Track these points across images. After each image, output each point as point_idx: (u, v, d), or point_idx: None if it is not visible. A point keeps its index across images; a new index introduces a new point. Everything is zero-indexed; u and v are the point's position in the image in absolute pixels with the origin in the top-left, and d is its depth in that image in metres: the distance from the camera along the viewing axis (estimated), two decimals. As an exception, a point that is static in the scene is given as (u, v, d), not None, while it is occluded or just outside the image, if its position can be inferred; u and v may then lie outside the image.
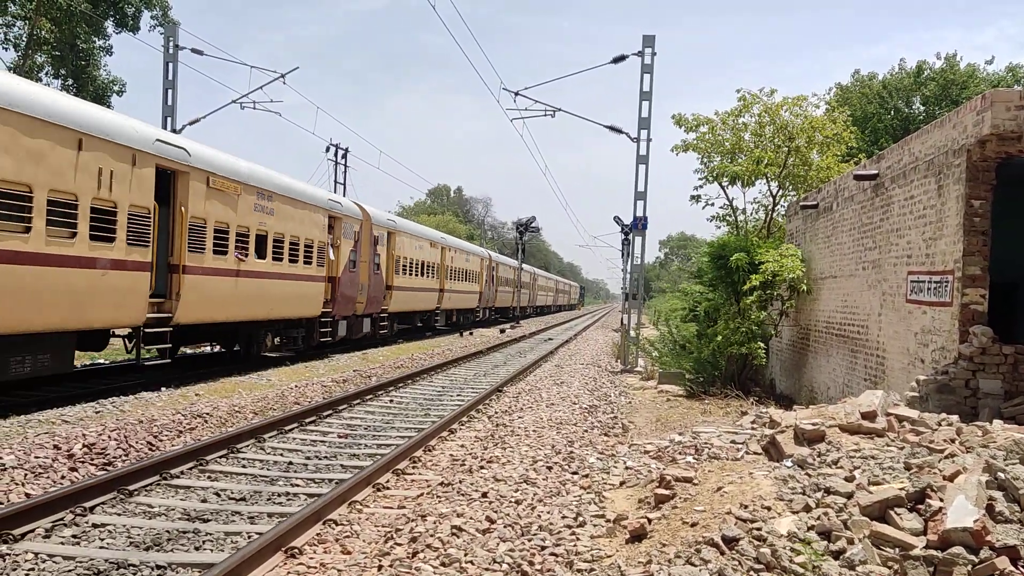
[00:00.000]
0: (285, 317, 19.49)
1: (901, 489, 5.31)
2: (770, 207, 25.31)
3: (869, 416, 7.30)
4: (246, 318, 17.49)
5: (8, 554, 5.81)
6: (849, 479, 5.80)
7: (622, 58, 22.65)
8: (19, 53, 34.20)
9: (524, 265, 63.76)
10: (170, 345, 14.88)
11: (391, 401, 14.46)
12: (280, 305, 18.88)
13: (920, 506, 5.12)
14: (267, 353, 20.53)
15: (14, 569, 5.58)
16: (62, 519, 6.61)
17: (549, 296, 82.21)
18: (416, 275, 31.50)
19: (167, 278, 14.50)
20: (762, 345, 16.06)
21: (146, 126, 14.02)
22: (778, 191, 24.85)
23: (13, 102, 10.61)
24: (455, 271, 38.58)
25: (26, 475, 7.72)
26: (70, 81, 35.10)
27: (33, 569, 5.59)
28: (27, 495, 7.19)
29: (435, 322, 35.86)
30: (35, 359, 11.53)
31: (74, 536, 6.34)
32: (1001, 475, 5.27)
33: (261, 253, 17.68)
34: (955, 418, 7.25)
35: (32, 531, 6.28)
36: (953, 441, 6.39)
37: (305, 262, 19.92)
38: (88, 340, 13.53)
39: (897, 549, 4.76)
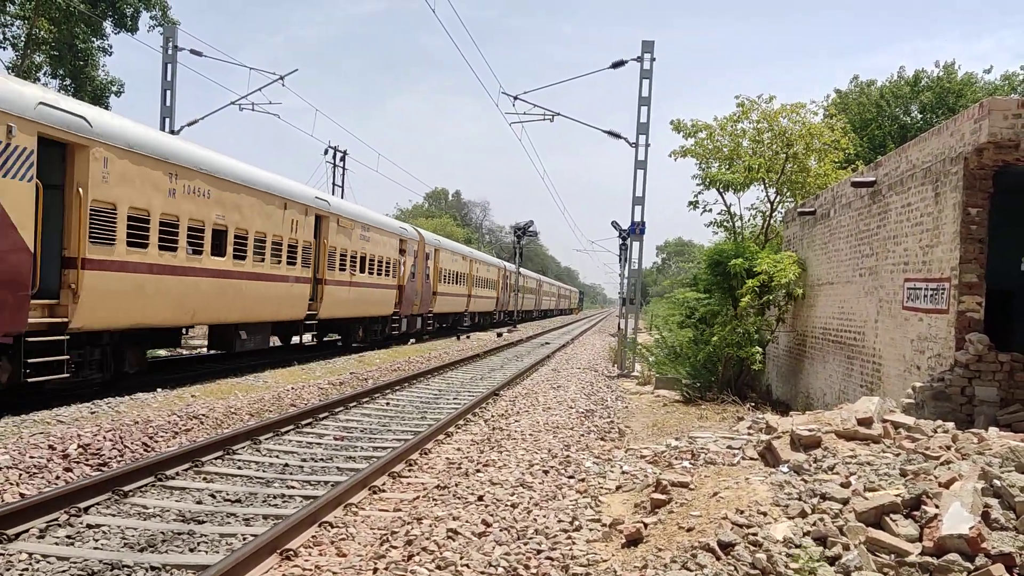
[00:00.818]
0: (372, 315, 26.19)
1: (897, 495, 5.31)
2: (768, 213, 25.36)
3: (865, 422, 7.30)
4: (353, 315, 24.41)
5: (2, 554, 5.80)
6: (845, 485, 5.80)
7: (621, 63, 22.70)
8: (18, 53, 34.18)
9: (532, 272, 75.32)
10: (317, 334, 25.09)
11: (388, 404, 14.45)
12: (370, 306, 25.70)
13: (916, 513, 5.12)
14: (356, 344, 25.98)
15: (8, 569, 5.57)
16: (57, 519, 6.60)
17: (553, 300, 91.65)
18: (452, 283, 38.70)
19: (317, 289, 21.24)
20: (759, 349, 16.08)
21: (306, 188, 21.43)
22: (776, 197, 24.90)
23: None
24: (479, 279, 45.71)
25: (21, 475, 7.70)
26: (68, 81, 35.07)
27: (27, 569, 5.58)
28: (22, 495, 7.17)
29: (464, 322, 42.90)
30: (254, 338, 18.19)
31: (68, 537, 6.32)
32: (997, 482, 5.27)
33: (361, 269, 24.36)
34: (951, 425, 7.26)
35: (27, 531, 6.26)
36: (949, 448, 6.39)
37: (385, 274, 26.78)
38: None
39: (893, 555, 4.76)
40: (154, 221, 13.84)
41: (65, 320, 11.75)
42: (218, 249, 16.13)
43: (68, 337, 11.82)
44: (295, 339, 23.35)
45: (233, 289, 16.83)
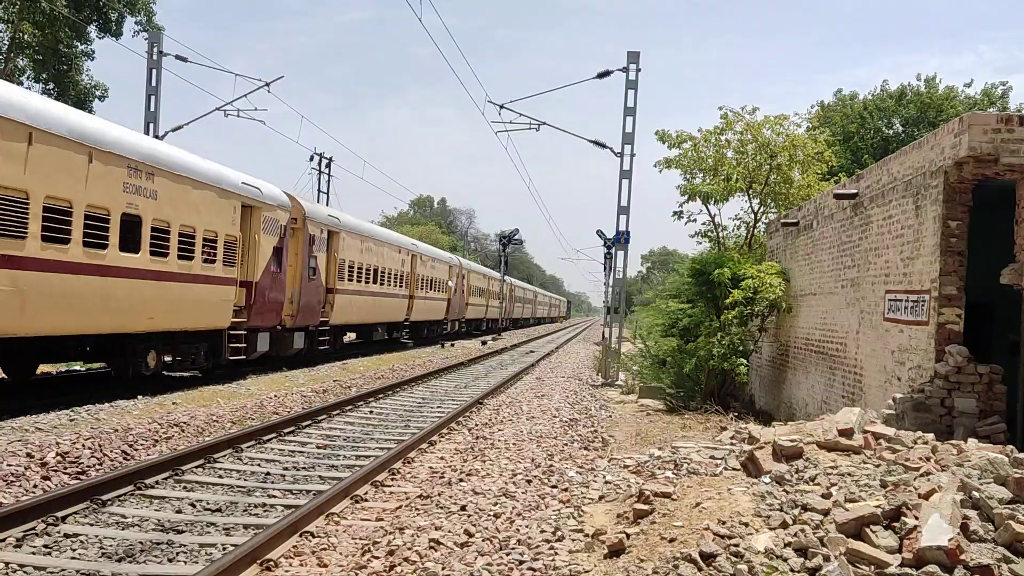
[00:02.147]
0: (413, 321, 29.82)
1: (877, 507, 5.35)
2: (751, 224, 25.53)
3: (846, 433, 7.35)
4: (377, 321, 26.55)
5: (-23, 564, 5.72)
6: (826, 496, 5.83)
7: (607, 73, 22.81)
8: (0, 56, 33.91)
9: (528, 285, 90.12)
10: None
11: (371, 412, 14.39)
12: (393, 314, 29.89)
13: (895, 524, 5.15)
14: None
15: (-17, 579, 5.50)
16: (34, 529, 6.51)
17: (545, 309, 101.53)
18: (479, 296, 49.01)
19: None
20: (744, 361, 16.14)
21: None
22: (760, 208, 25.08)
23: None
24: (501, 294, 55.36)
25: (-2, 483, 7.61)
26: (52, 85, 34.83)
27: (3, 579, 5.51)
28: (-2, 504, 7.09)
29: (499, 328, 52.21)
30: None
31: (46, 546, 6.25)
32: (976, 494, 5.32)
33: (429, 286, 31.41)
34: (931, 436, 7.31)
35: (3, 540, 6.18)
36: (928, 459, 6.44)
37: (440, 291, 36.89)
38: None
39: (872, 567, 4.78)
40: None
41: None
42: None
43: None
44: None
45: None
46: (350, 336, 30.28)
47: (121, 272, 13.31)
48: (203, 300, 16.05)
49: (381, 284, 28.68)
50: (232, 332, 17.43)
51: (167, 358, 15.81)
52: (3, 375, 14.70)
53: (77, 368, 18.29)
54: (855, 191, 12.47)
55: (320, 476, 9.26)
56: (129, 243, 13.54)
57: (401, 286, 31.42)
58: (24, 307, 11.30)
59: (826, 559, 4.91)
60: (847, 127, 40.18)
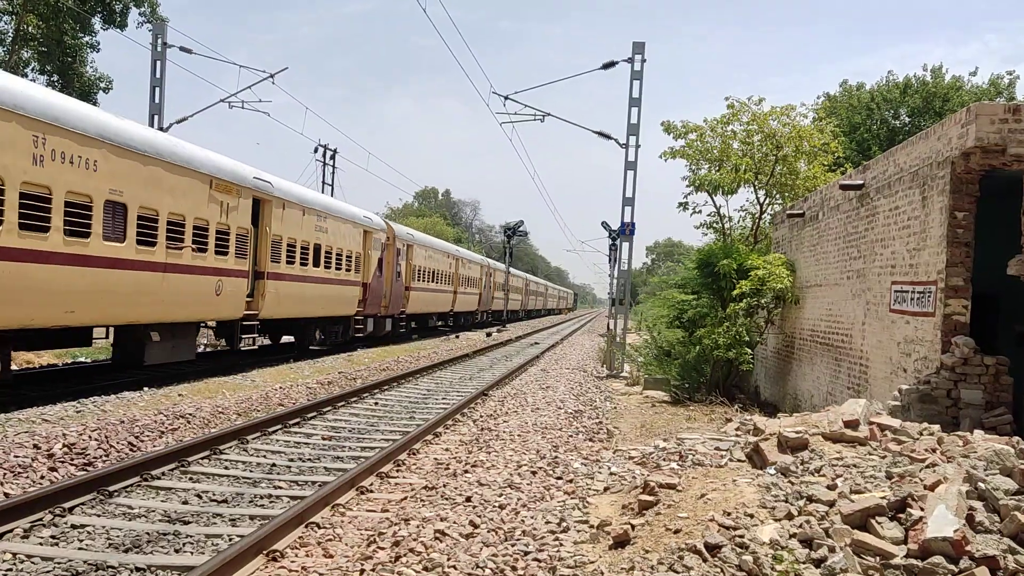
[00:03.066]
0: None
1: (882, 498, 5.34)
2: (757, 215, 25.45)
3: (852, 425, 7.34)
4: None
5: (-15, 554, 5.75)
6: (831, 487, 5.83)
7: (612, 64, 22.72)
8: (5, 48, 33.94)
9: (539, 279, 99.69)
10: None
11: (376, 403, 14.42)
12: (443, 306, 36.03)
13: (901, 515, 5.15)
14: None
15: (-9, 570, 5.53)
16: (41, 519, 6.55)
17: (555, 301, 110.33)
18: (500, 291, 54.26)
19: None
20: (748, 350, 16.12)
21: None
22: (765, 199, 25.00)
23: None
24: (518, 287, 65.18)
25: (4, 475, 7.65)
26: (56, 77, 34.86)
27: (11, 570, 5.54)
28: (5, 495, 7.12)
29: (515, 317, 60.75)
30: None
31: (53, 537, 6.28)
32: (981, 485, 5.31)
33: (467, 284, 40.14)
34: (936, 428, 7.30)
35: (10, 531, 6.22)
36: (934, 451, 6.43)
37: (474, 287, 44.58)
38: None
39: (878, 558, 4.78)
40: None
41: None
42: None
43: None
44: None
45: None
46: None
47: (314, 280, 21.84)
48: (344, 296, 24.32)
49: (438, 283, 37.47)
50: (356, 318, 25.76)
51: (319, 335, 23.74)
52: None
53: (83, 360, 18.43)
54: (861, 182, 12.42)
55: (326, 468, 9.29)
56: (318, 262, 22.05)
57: (448, 284, 39.89)
58: (280, 301, 19.68)
59: (831, 550, 4.90)
60: (853, 118, 40.00)
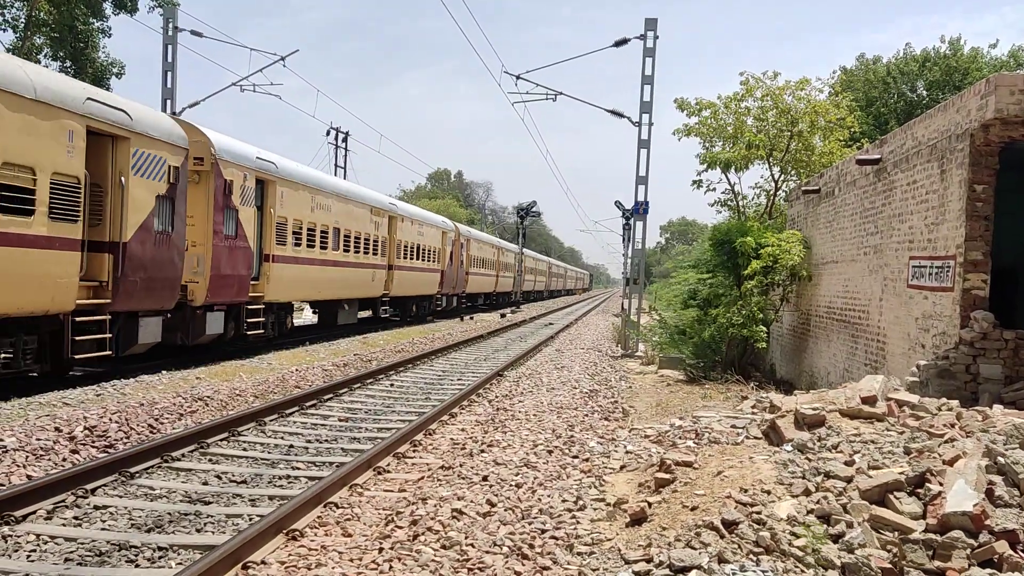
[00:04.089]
0: (421, 294, 33.85)
1: (901, 473, 5.32)
2: (772, 192, 25.26)
3: (869, 401, 7.30)
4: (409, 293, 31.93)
5: (10, 535, 5.84)
6: (849, 463, 5.81)
7: (624, 41, 22.51)
8: (18, 35, 34.04)
9: (559, 262, 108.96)
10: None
11: (392, 385, 14.48)
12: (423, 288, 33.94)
13: (919, 490, 5.13)
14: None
15: (16, 550, 5.60)
16: (64, 501, 6.63)
17: (573, 282, 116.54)
18: (531, 274, 64.85)
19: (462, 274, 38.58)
20: (763, 328, 16.05)
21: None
22: (780, 176, 24.81)
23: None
24: (543, 271, 77.08)
25: (27, 457, 7.75)
26: (69, 63, 34.94)
27: (35, 550, 5.62)
28: (28, 477, 7.22)
29: (540, 297, 70.90)
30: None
31: (76, 518, 6.36)
32: (1001, 459, 5.28)
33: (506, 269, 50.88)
34: (955, 403, 7.25)
35: (34, 513, 6.30)
36: (953, 426, 6.40)
37: (510, 272, 53.03)
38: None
39: (896, 533, 4.77)
40: None
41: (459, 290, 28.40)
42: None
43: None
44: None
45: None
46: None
47: (418, 269, 31.92)
48: (431, 280, 34.07)
49: (486, 269, 47.85)
50: (436, 296, 35.31)
51: (415, 309, 32.77)
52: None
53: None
54: (878, 156, 12.29)
55: (343, 448, 9.35)
56: (420, 257, 31.68)
57: (492, 269, 50.14)
58: (400, 284, 29.27)
59: (849, 525, 4.90)
60: (870, 92, 39.55)
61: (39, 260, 10.99)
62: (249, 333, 17.89)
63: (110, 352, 12.71)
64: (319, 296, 22.98)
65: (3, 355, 11.05)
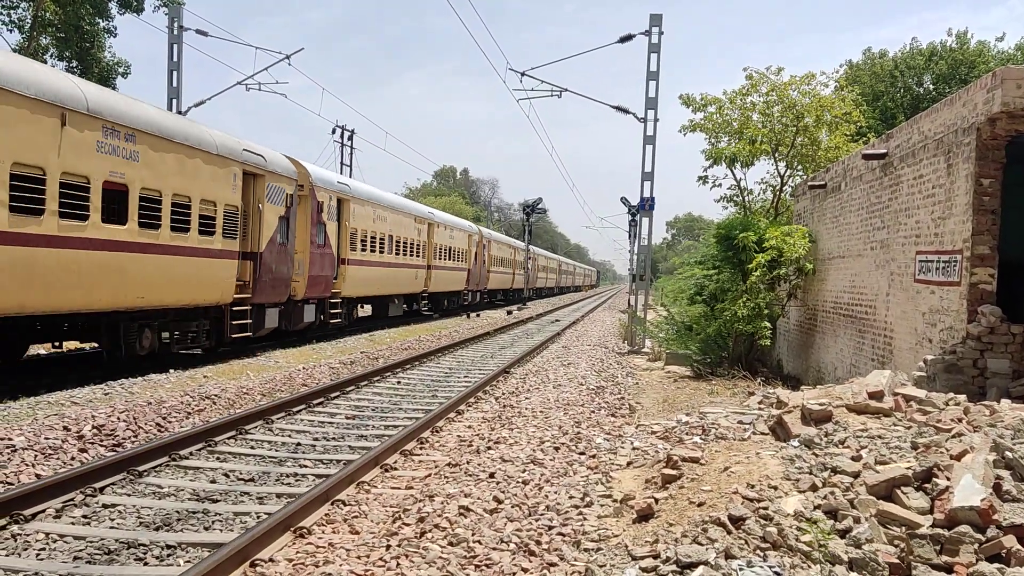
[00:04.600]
0: (452, 290, 38.09)
1: (908, 468, 5.31)
2: (778, 187, 25.21)
3: (876, 396, 7.29)
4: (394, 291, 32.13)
5: (20, 534, 5.87)
6: (856, 459, 5.80)
7: (629, 37, 22.47)
8: (24, 35, 34.14)
9: (569, 260, 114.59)
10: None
11: (398, 382, 14.50)
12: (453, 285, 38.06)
13: (927, 485, 5.12)
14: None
15: (25, 549, 5.64)
16: (72, 500, 6.67)
17: (581, 278, 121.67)
18: (543, 272, 71.66)
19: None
20: (768, 324, 16.02)
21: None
22: (786, 171, 24.74)
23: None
24: (553, 268, 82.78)
25: (36, 456, 7.79)
26: (75, 63, 35.04)
27: (44, 549, 5.65)
28: (37, 476, 7.25)
29: (550, 293, 75.75)
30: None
31: (84, 516, 6.39)
32: (1008, 454, 5.26)
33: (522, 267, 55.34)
34: (963, 397, 7.23)
35: (43, 511, 6.33)
36: (960, 420, 6.38)
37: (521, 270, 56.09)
38: None
39: (903, 528, 4.76)
40: None
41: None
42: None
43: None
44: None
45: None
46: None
47: (449, 268, 35.41)
48: (460, 278, 38.72)
49: (504, 267, 51.91)
50: (463, 292, 39.93)
51: (446, 304, 37.50)
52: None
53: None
54: (884, 151, 12.25)
55: (350, 446, 9.37)
56: (452, 257, 35.92)
57: (509, 268, 53.45)
58: (436, 282, 33.88)
59: (856, 521, 4.89)
60: (876, 86, 39.39)
61: (217, 266, 15.49)
62: (331, 321, 22.41)
63: (250, 333, 17.24)
64: (378, 292, 27.29)
65: (190, 333, 15.36)
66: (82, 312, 12.31)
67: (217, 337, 16.31)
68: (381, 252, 26.18)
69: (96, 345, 15.07)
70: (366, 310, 31.00)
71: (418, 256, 30.92)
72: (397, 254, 28.05)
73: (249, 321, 17.02)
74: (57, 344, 14.90)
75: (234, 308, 16.40)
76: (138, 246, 13.03)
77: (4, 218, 10.29)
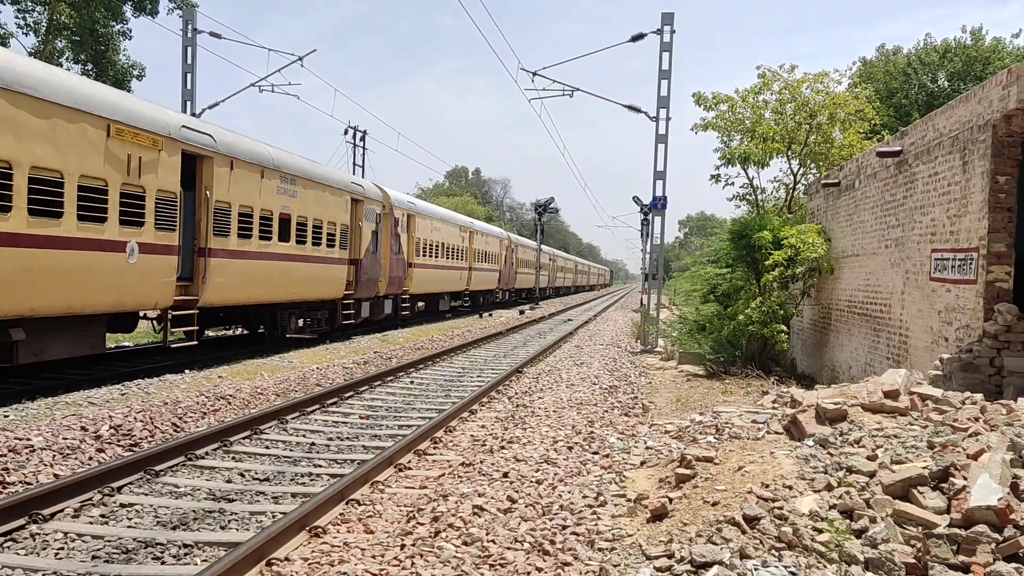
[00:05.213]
0: (486, 289, 44.37)
1: (924, 468, 5.28)
2: (791, 186, 25.10)
3: (892, 395, 7.25)
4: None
5: (38, 534, 5.93)
6: (871, 458, 5.77)
7: (641, 36, 22.43)
8: (39, 39, 34.43)
9: (582, 259, 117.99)
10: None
11: (412, 382, 14.54)
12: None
13: (943, 485, 5.09)
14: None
15: (44, 548, 5.69)
16: (90, 499, 6.73)
17: (595, 278, 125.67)
18: (561, 272, 76.34)
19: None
20: (783, 328, 15.94)
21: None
22: (799, 169, 24.64)
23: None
24: (570, 268, 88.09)
25: (54, 456, 7.86)
26: (90, 66, 35.30)
27: (63, 548, 5.70)
28: (56, 476, 7.32)
29: (568, 291, 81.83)
30: None
31: (102, 516, 6.45)
32: (1026, 453, 5.22)
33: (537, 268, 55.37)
34: (979, 396, 7.18)
35: (61, 511, 6.40)
36: (977, 419, 6.34)
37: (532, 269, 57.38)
38: None
39: (920, 527, 4.73)
40: None
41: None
42: None
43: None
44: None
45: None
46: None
47: (482, 269, 40.39)
48: (492, 277, 43.80)
49: (528, 268, 55.93)
50: (495, 291, 45.37)
51: (481, 300, 42.00)
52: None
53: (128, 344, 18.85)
54: (899, 148, 12.17)
55: (364, 446, 9.40)
56: (486, 260, 41.44)
57: (532, 269, 57.00)
58: (474, 281, 39.42)
59: (872, 520, 4.87)
60: (890, 83, 39.14)
61: (335, 270, 20.94)
62: (402, 313, 28.13)
63: (354, 320, 22.78)
64: (433, 290, 32.11)
65: (316, 320, 20.89)
66: (268, 303, 17.93)
67: (331, 324, 21.59)
68: (436, 257, 31.63)
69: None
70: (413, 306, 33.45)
71: (462, 260, 36.53)
72: (447, 259, 33.52)
73: (352, 312, 22.41)
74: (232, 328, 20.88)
75: (342, 302, 21.83)
76: (297, 256, 18.46)
77: (256, 241, 16.63)
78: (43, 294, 10.84)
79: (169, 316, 13.86)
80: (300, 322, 20.11)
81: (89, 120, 11.53)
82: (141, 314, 14.45)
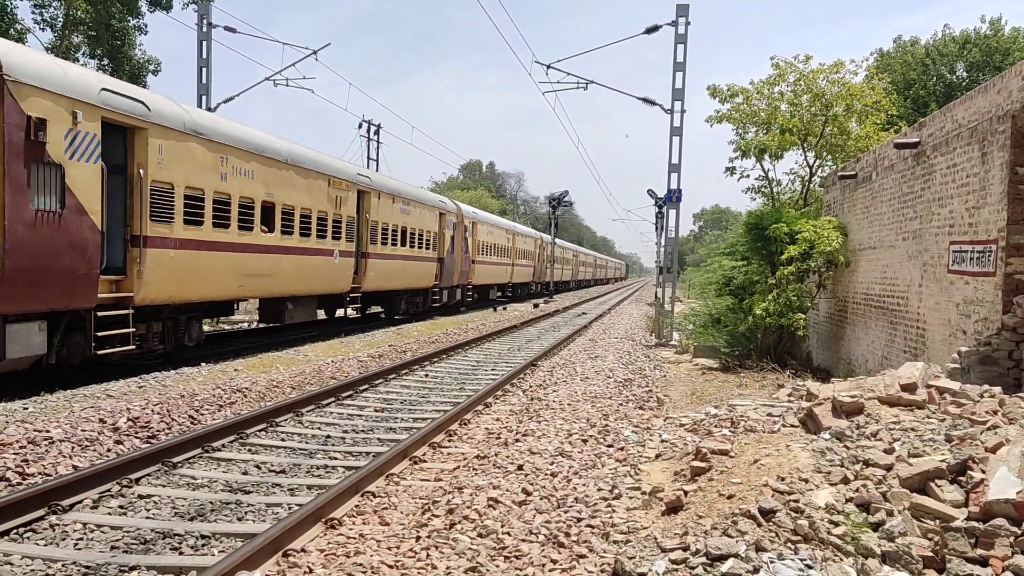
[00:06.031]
0: (526, 281, 51.28)
1: (942, 461, 5.24)
2: (807, 178, 24.94)
3: (909, 388, 7.20)
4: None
5: (58, 524, 5.99)
6: (888, 451, 5.74)
7: (655, 28, 22.32)
8: (56, 34, 34.66)
9: (599, 254, 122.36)
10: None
11: (426, 375, 14.58)
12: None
13: (961, 478, 5.05)
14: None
15: (63, 538, 5.76)
16: (109, 490, 6.79)
17: (612, 272, 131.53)
18: (584, 267, 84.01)
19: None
20: (802, 316, 15.84)
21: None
22: (815, 161, 24.47)
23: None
24: (590, 263, 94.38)
25: (73, 448, 7.94)
26: (106, 61, 35.50)
27: (82, 538, 5.76)
28: (75, 467, 7.40)
29: (587, 284, 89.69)
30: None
31: (121, 507, 6.51)
32: (1046, 447, 5.17)
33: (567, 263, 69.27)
34: (998, 389, 7.12)
35: (80, 502, 6.46)
36: (995, 413, 6.28)
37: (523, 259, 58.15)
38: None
39: (937, 521, 4.70)
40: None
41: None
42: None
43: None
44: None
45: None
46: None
47: (521, 265, 47.97)
48: (528, 272, 50.62)
49: (562, 265, 63.46)
50: (531, 284, 53.17)
51: (520, 291, 51.03)
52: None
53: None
54: (917, 140, 12.06)
55: (379, 438, 9.44)
56: (523, 258, 48.83)
57: (566, 265, 65.93)
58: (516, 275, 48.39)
59: (889, 514, 4.84)
60: (908, 74, 38.77)
61: (429, 266, 28.36)
62: (467, 300, 34.99)
63: (438, 304, 30.05)
64: (489, 282, 39.98)
65: (416, 303, 27.85)
66: (392, 291, 25.47)
67: (424, 307, 28.77)
68: (489, 255, 38.79)
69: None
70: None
71: (507, 257, 43.51)
72: (498, 256, 40.96)
73: (437, 297, 29.76)
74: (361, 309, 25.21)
75: (431, 289, 29.17)
76: (409, 256, 25.86)
77: (379, 247, 23.44)
78: (298, 283, 18.23)
79: (347, 298, 21.88)
80: (404, 305, 26.72)
81: (318, 176, 19.15)
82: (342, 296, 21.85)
